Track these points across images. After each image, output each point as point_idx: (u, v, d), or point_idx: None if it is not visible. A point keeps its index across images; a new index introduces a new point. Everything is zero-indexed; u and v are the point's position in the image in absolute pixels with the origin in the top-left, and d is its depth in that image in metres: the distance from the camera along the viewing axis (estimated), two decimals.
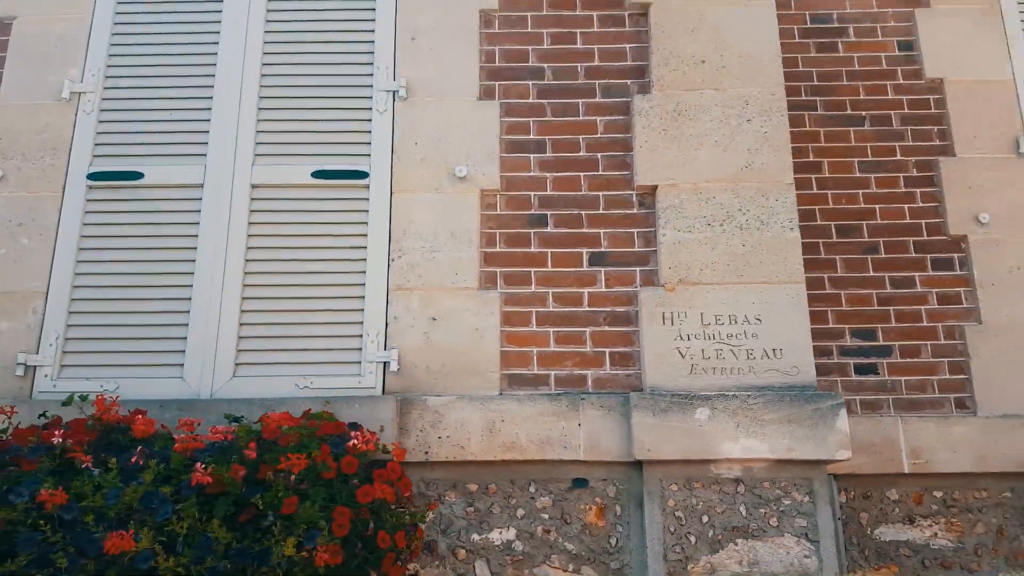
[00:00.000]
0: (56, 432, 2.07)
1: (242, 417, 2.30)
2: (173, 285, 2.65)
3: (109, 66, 2.90)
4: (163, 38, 2.94)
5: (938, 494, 2.84)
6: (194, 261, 2.67)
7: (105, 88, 2.87)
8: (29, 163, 2.77)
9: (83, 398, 2.24)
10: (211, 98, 2.85)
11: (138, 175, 2.76)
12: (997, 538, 2.77)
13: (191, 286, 2.64)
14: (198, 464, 1.94)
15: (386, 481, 2.11)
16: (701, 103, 2.79)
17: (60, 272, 2.66)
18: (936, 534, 2.80)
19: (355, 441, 2.12)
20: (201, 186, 2.75)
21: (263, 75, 2.88)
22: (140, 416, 2.24)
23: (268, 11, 2.97)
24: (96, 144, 2.81)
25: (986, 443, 2.80)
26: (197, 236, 2.69)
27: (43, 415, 2.31)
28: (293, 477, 1.97)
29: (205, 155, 2.78)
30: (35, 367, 2.57)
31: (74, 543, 1.87)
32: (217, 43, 2.92)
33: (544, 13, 2.98)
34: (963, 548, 2.77)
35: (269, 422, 2.13)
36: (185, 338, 2.60)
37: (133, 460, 1.98)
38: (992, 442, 2.80)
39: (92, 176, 2.76)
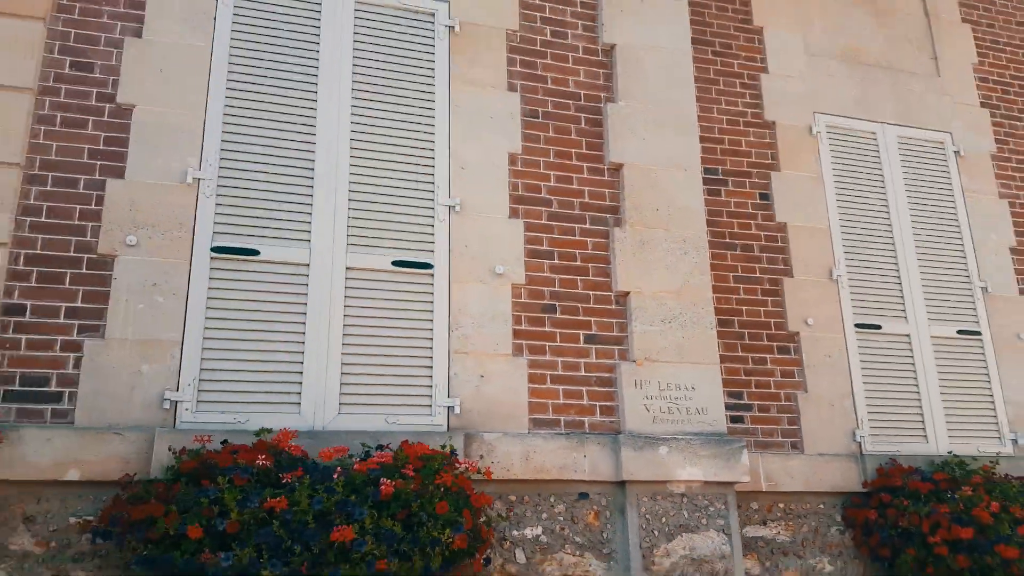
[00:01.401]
0: (259, 456, 2.83)
1: (384, 446, 3.16)
2: (289, 341, 3.43)
3: (222, 157, 3.60)
4: (269, 133, 3.69)
5: (781, 505, 4.32)
6: (304, 323, 3.46)
7: (220, 176, 3.57)
8: (159, 233, 3.40)
9: (268, 431, 2.99)
10: (311, 192, 3.66)
11: (255, 252, 3.50)
12: (815, 535, 4.30)
13: (303, 343, 3.43)
14: (383, 479, 2.82)
15: (482, 486, 3.11)
16: (656, 238, 4.09)
17: (192, 325, 3.32)
18: (779, 532, 4.28)
19: (466, 465, 3.10)
20: (307, 265, 3.55)
21: (351, 177, 3.75)
22: (287, 442, 3.03)
23: (352, 123, 3.83)
24: (216, 222, 3.50)
25: (810, 472, 4.34)
26: (306, 304, 3.49)
27: (195, 451, 3.01)
28: (441, 488, 2.92)
29: (309, 240, 3.59)
30: (177, 402, 3.22)
31: (300, 536, 2.67)
32: (314, 144, 3.73)
33: (551, 159, 4.14)
34: (795, 541, 4.27)
35: (409, 450, 3.04)
36: (300, 383, 3.38)
37: (334, 475, 2.81)
38: (813, 471, 4.35)
39: (215, 249, 3.45)
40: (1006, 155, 5.84)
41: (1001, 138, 5.88)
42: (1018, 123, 6.00)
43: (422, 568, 2.81)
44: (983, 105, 5.90)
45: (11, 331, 3.15)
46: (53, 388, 3.13)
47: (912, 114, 5.61)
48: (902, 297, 5.10)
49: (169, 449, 2.99)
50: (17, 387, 3.09)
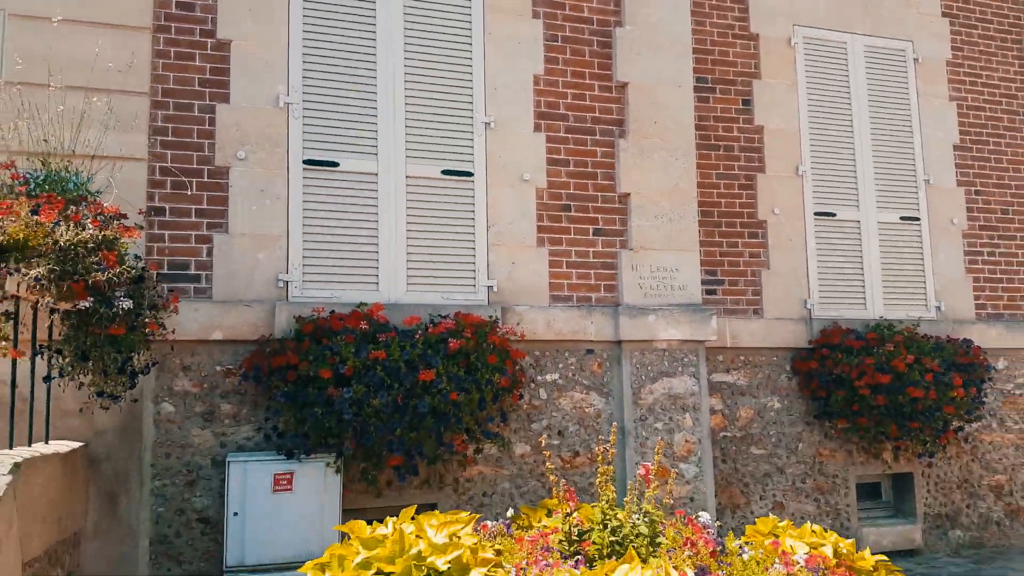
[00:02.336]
0: (361, 323, 3.88)
1: (444, 316, 4.22)
2: (366, 233, 4.40)
3: (305, 84, 4.41)
4: (340, 61, 4.49)
5: (742, 358, 5.50)
6: (377, 220, 4.42)
7: (304, 100, 4.40)
8: (260, 150, 4.28)
9: (364, 304, 4.03)
10: (376, 114, 4.50)
11: (336, 163, 4.40)
12: (768, 380, 5.50)
13: (377, 235, 4.41)
14: (450, 339, 3.89)
15: (516, 345, 4.21)
16: (653, 147, 4.99)
17: (293, 222, 4.28)
18: (739, 378, 5.48)
19: (506, 329, 4.18)
20: (376, 174, 4.46)
21: (407, 99, 4.58)
22: (378, 312, 4.08)
23: (406, 52, 4.62)
24: (304, 139, 4.37)
25: (767, 332, 5.48)
26: (377, 204, 4.43)
27: (307, 319, 4.04)
28: (490, 345, 4.01)
29: (376, 154, 4.48)
30: (288, 281, 4.24)
31: (395, 377, 3.77)
32: (375, 71, 4.54)
33: (568, 79, 4.95)
34: (751, 385, 5.48)
35: (465, 319, 4.10)
36: (377, 266, 4.39)
37: (416, 336, 3.89)
38: (769, 331, 5.49)
39: (306, 162, 4.35)
40: (959, 61, 6.63)
41: (957, 46, 6.64)
42: (973, 31, 6.73)
43: (479, 399, 3.95)
44: (944, 15, 6.61)
45: (156, 228, 4.10)
46: (193, 271, 4.12)
47: (880, 25, 6.34)
48: (856, 189, 6.07)
49: (294, 318, 4.03)
50: (166, 271, 4.07)
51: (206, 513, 3.96)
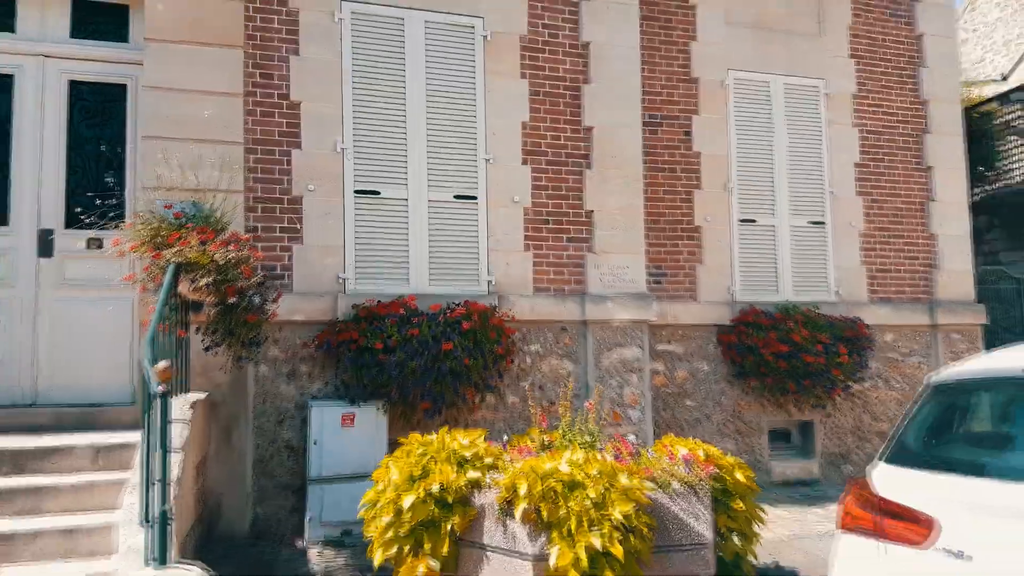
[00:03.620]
0: (400, 309, 5.47)
1: (457, 304, 5.80)
2: (400, 243, 5.97)
3: (354, 133, 5.96)
4: (379, 115, 6.02)
5: (680, 332, 7.14)
6: (407, 233, 5.99)
7: (354, 145, 5.94)
8: (324, 183, 5.83)
9: (402, 296, 5.62)
10: (406, 153, 6.05)
11: (377, 192, 5.96)
12: (699, 349, 7.15)
13: (407, 244, 5.98)
14: (463, 321, 5.49)
15: (510, 325, 5.83)
16: (611, 175, 6.57)
17: (348, 235, 5.84)
18: (676, 347, 7.12)
19: (502, 313, 5.79)
20: (406, 199, 6.03)
21: (428, 142, 6.13)
22: (412, 300, 5.67)
23: (427, 105, 6.15)
24: (355, 175, 5.92)
25: (699, 312, 7.12)
26: (407, 222, 6.00)
27: (360, 305, 5.63)
28: (491, 324, 5.61)
29: (406, 184, 6.04)
30: (345, 279, 5.81)
31: (425, 347, 5.37)
32: (405, 121, 6.08)
33: (547, 124, 6.51)
34: (686, 352, 7.13)
35: (472, 306, 5.69)
36: (408, 267, 5.97)
37: (439, 319, 5.49)
38: (701, 312, 7.13)
39: (356, 191, 5.90)
40: (863, 94, 8.20)
41: (861, 81, 8.21)
42: (876, 69, 8.30)
43: (483, 363, 5.57)
44: (850, 56, 8.17)
45: (253, 240, 5.65)
46: (279, 272, 5.69)
47: (798, 66, 7.90)
48: (774, 200, 7.68)
49: (352, 305, 5.62)
50: (261, 272, 5.64)
51: (292, 443, 5.58)
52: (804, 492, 7.18)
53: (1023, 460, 2.43)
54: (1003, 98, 11.48)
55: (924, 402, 2.75)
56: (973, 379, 2.70)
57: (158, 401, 3.26)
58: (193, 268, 4.31)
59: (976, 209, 11.48)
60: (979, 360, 2.85)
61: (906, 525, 2.42)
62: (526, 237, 6.35)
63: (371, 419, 5.46)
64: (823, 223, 7.85)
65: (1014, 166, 11.65)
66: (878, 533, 2.52)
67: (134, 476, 3.92)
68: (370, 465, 5.32)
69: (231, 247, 4.47)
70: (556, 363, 6.31)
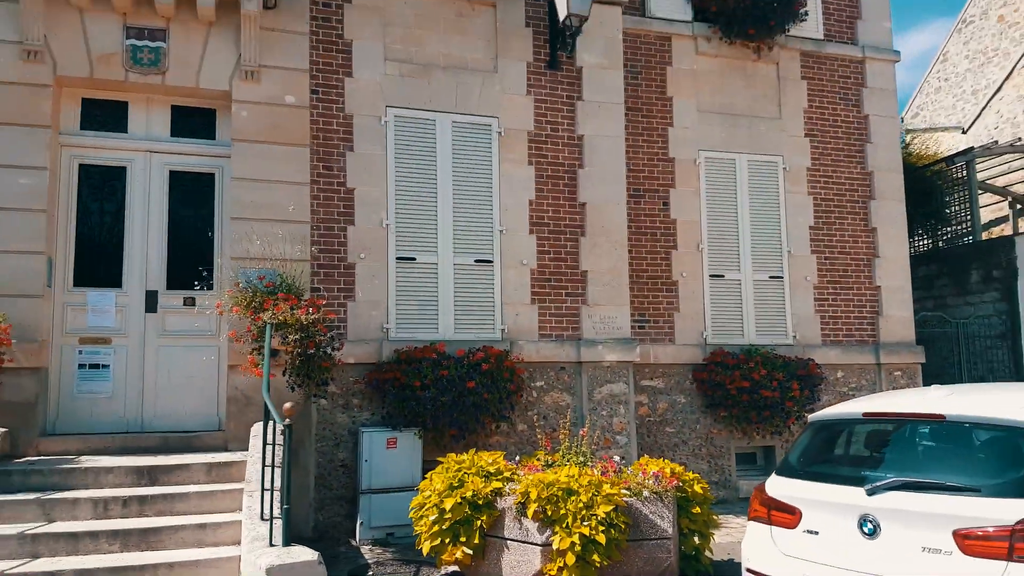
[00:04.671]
0: (433, 353, 6.75)
1: (477, 349, 7.09)
2: (431, 300, 7.28)
3: (396, 212, 7.29)
4: (415, 196, 7.36)
5: (660, 370, 8.42)
6: (437, 292, 7.31)
7: (396, 221, 7.27)
8: (372, 252, 7.15)
9: (434, 342, 6.91)
10: (436, 226, 7.38)
11: (413, 258, 7.28)
12: (677, 384, 8.43)
13: (437, 301, 7.29)
14: (483, 363, 6.78)
15: (520, 366, 7.12)
16: (600, 242, 7.89)
17: (391, 294, 7.14)
18: (658, 383, 8.39)
19: (514, 356, 7.08)
20: (436, 264, 7.35)
21: (454, 216, 7.45)
22: (442, 346, 6.96)
23: (453, 187, 7.49)
24: (397, 245, 7.24)
25: (676, 353, 8.42)
26: (437, 282, 7.32)
27: (400, 350, 6.92)
28: (505, 366, 6.89)
29: (436, 251, 7.36)
30: (387, 328, 7.11)
31: (453, 385, 6.64)
32: (436, 200, 7.41)
33: (549, 201, 7.84)
34: (666, 387, 8.41)
35: (490, 350, 6.98)
36: (437, 318, 7.27)
37: (464, 363, 6.77)
38: (678, 352, 8.43)
39: (397, 258, 7.23)
40: (816, 167, 9.56)
41: (815, 156, 9.58)
42: (828, 146, 9.67)
43: (498, 398, 6.84)
44: (805, 135, 9.54)
45: (316, 298, 6.96)
46: (336, 323, 6.97)
47: (759, 145, 9.26)
48: (739, 257, 9.00)
49: (393, 350, 6.91)
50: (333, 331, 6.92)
51: (345, 462, 6.84)
52: None
53: (850, 472, 3.70)
54: (950, 160, 12.87)
55: (803, 433, 4.03)
56: (834, 418, 3.97)
57: (285, 431, 4.53)
58: (284, 327, 5.60)
59: (927, 258, 12.85)
60: (843, 405, 4.13)
61: (783, 515, 3.68)
62: (532, 293, 7.66)
63: (409, 442, 6.72)
64: (782, 277, 9.17)
65: (960, 219, 13.02)
66: (769, 520, 3.78)
67: (248, 485, 5.17)
68: (409, 480, 6.59)
69: (312, 311, 5.77)
70: (557, 396, 7.59)
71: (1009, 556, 2.88)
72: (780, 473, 3.93)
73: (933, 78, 19.21)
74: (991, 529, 2.96)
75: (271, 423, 4.98)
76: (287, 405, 4.57)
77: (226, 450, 6.34)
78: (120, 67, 6.64)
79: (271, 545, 4.38)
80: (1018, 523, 2.90)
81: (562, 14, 7.40)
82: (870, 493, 3.36)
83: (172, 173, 6.93)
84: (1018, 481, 3.02)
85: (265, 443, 4.79)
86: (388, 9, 7.43)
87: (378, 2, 7.37)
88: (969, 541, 2.99)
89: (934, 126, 19.20)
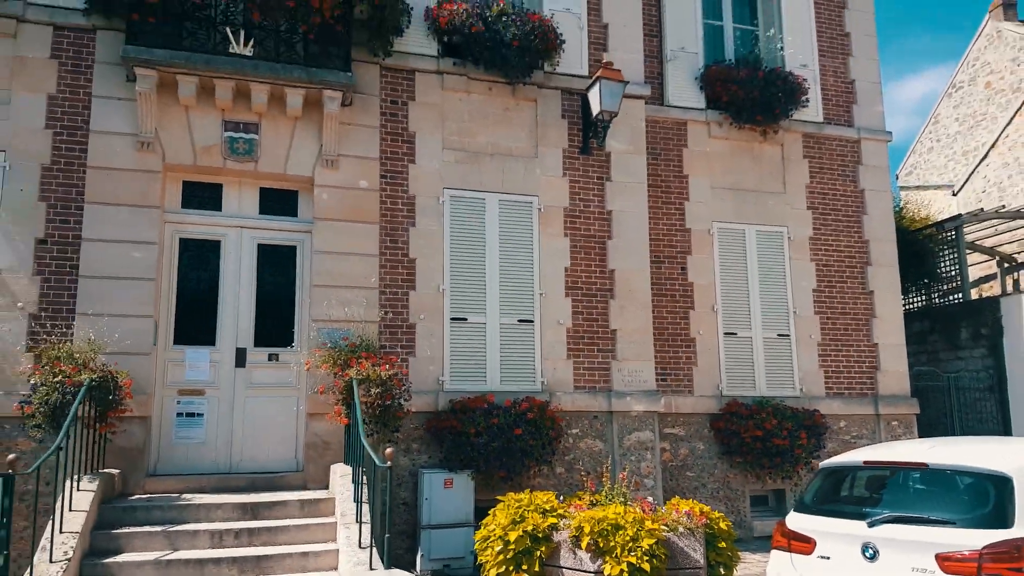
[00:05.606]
0: (484, 403, 7.59)
1: (521, 399, 7.92)
2: (480, 355, 8.15)
3: (451, 278, 8.21)
4: (467, 264, 8.29)
5: (681, 419, 9.24)
6: (485, 348, 8.18)
7: (450, 287, 8.19)
8: (430, 314, 8.05)
9: (484, 393, 7.76)
10: (484, 290, 8.30)
11: (465, 319, 8.18)
12: (697, 432, 9.24)
13: (485, 356, 8.17)
14: (528, 412, 7.61)
15: (559, 415, 7.95)
16: (627, 304, 8.79)
17: (446, 350, 8.02)
18: (679, 431, 9.20)
19: (553, 406, 7.92)
20: (485, 324, 8.24)
21: (500, 281, 8.38)
22: (492, 397, 7.80)
23: (500, 257, 8.43)
24: (451, 307, 8.15)
25: (695, 403, 9.25)
26: (485, 340, 8.20)
27: (455, 400, 7.76)
28: (547, 414, 7.73)
29: (485, 312, 8.27)
30: (443, 380, 7.97)
31: (502, 432, 7.47)
32: (485, 266, 8.34)
33: (582, 268, 8.76)
34: (687, 435, 9.21)
35: (533, 401, 7.82)
36: (485, 371, 8.13)
37: (512, 412, 7.61)
38: (697, 403, 9.26)
39: (451, 319, 8.13)
40: (818, 237, 10.50)
41: (817, 227, 10.52)
42: (828, 217, 10.62)
43: (541, 444, 7.65)
44: (808, 208, 10.51)
45: (391, 356, 7.82)
46: (400, 377, 7.84)
47: (766, 217, 10.22)
48: (750, 317, 9.88)
49: (448, 400, 7.75)
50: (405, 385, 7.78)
51: (407, 500, 7.63)
52: None
53: (854, 508, 4.51)
54: (940, 225, 13.83)
55: (816, 478, 4.86)
56: (840, 465, 4.80)
57: (386, 472, 5.36)
58: (367, 382, 6.47)
59: (920, 316, 13.71)
60: (847, 454, 4.96)
61: (801, 544, 4.48)
62: (568, 349, 8.53)
63: (464, 483, 7.51)
64: (789, 335, 10.03)
65: (951, 279, 13.92)
66: (789, 548, 4.58)
67: (343, 518, 5.97)
68: (463, 517, 7.38)
69: (390, 368, 6.65)
70: (590, 443, 8.40)
71: (978, 574, 3.68)
72: (797, 510, 4.75)
73: (925, 139, 20.34)
74: (965, 552, 3.76)
75: (357, 464, 5.80)
76: (388, 450, 5.42)
77: (306, 489, 7.15)
78: (219, 155, 7.66)
79: (371, 569, 5.17)
80: (984, 548, 3.72)
81: (595, 110, 8.44)
82: (870, 525, 4.17)
83: (260, 246, 7.88)
84: (984, 515, 3.84)
85: (360, 482, 5.62)
86: (445, 106, 8.48)
87: (437, 100, 8.43)
88: (948, 563, 3.80)
89: (926, 184, 20.27)
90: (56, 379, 5.89)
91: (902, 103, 46.23)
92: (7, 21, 7.33)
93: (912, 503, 4.35)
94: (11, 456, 4.69)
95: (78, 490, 5.67)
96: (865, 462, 4.61)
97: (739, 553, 6.44)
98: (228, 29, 7.34)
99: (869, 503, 4.60)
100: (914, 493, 4.47)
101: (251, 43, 7.34)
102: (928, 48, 49.18)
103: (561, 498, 6.52)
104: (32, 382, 6.23)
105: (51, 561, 4.98)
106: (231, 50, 7.34)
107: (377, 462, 5.53)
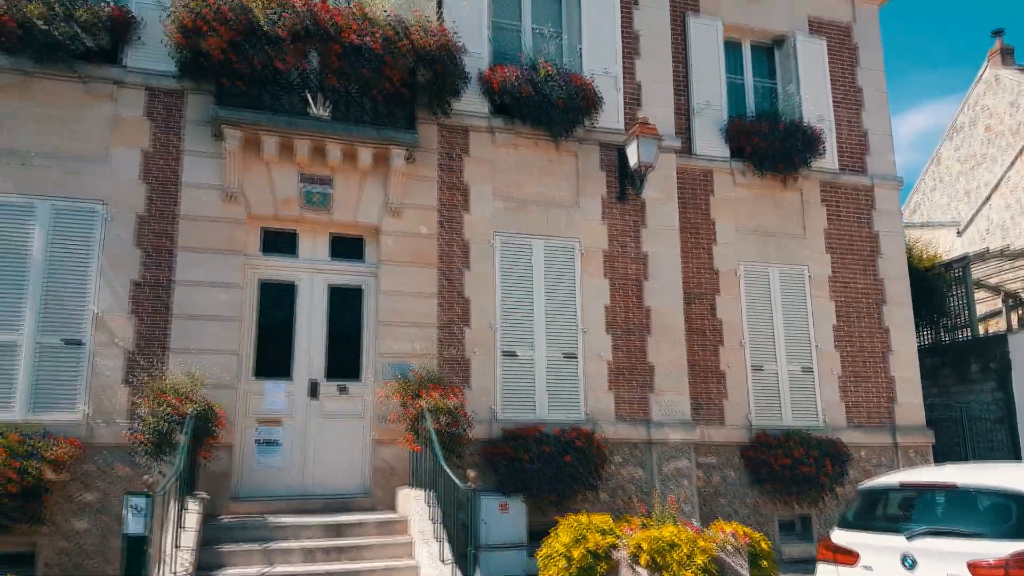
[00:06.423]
0: (535, 432, 8.16)
1: (569, 428, 8.49)
2: (529, 386, 8.75)
3: (501, 316, 8.83)
4: (516, 303, 8.92)
5: (714, 448, 9.77)
6: (534, 380, 8.78)
7: (501, 324, 8.82)
8: (483, 349, 8.67)
9: (536, 422, 8.34)
10: (532, 327, 8.92)
11: (515, 353, 8.80)
12: (728, 461, 9.76)
13: (534, 388, 8.76)
14: (576, 440, 8.17)
15: (603, 443, 8.51)
16: (663, 339, 9.39)
17: (497, 382, 8.61)
18: (713, 460, 9.72)
19: (598, 436, 8.49)
20: (533, 358, 8.86)
21: (546, 319, 9.01)
22: (542, 426, 8.38)
23: (546, 297, 9.07)
24: (502, 342, 8.77)
25: (727, 433, 9.78)
26: (534, 373, 8.80)
27: (507, 428, 8.34)
28: (592, 442, 8.29)
29: (533, 346, 8.88)
30: (495, 410, 8.56)
31: (552, 459, 8.02)
32: (532, 303, 8.97)
33: (621, 305, 9.38)
34: (719, 463, 9.74)
35: (580, 430, 8.38)
36: (534, 402, 8.73)
37: (561, 440, 8.17)
38: (728, 433, 9.81)
39: (502, 353, 8.74)
40: (836, 276, 11.11)
41: (835, 267, 11.14)
42: (845, 258, 11.24)
43: (588, 470, 8.19)
44: (826, 250, 11.14)
45: (456, 387, 8.40)
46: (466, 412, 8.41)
47: (788, 258, 10.85)
48: (774, 351, 10.46)
49: (502, 429, 8.33)
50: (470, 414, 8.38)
51: (465, 521, 8.15)
52: (805, 567, 9.56)
53: (893, 524, 5.06)
54: (948, 265, 14.45)
55: (856, 499, 5.42)
56: (878, 487, 5.37)
57: (469, 494, 5.94)
58: (437, 411, 7.08)
59: (932, 351, 14.26)
60: (882, 478, 5.52)
61: (845, 557, 5.02)
62: (609, 381, 9.12)
63: (517, 507, 8.05)
64: (812, 369, 10.60)
65: (959, 314, 14.49)
66: (835, 562, 5.13)
67: (422, 535, 6.53)
68: (516, 539, 7.91)
69: (456, 398, 7.26)
70: (631, 470, 8.95)
71: None
72: (840, 527, 5.31)
73: (928, 178, 21.03)
74: (992, 560, 4.32)
75: (430, 487, 6.38)
76: (472, 473, 6.00)
77: (375, 511, 7.70)
78: (296, 206, 8.37)
79: None
80: (1010, 555, 4.27)
81: (633, 162, 9.16)
82: (909, 538, 4.73)
83: (330, 287, 8.55)
84: (1008, 528, 4.40)
85: (443, 504, 6.20)
86: (496, 160, 9.21)
87: (488, 154, 9.16)
88: (978, 570, 4.35)
89: (931, 221, 20.91)
90: (164, 410, 6.50)
91: (903, 136, 47.24)
92: (108, 85, 8.09)
93: (942, 519, 4.91)
94: (148, 479, 5.30)
95: (186, 510, 6.25)
96: (901, 483, 5.18)
97: (778, 572, 6.96)
98: (307, 93, 8.10)
99: (903, 520, 5.16)
100: (943, 511, 5.03)
101: (328, 105, 8.09)
102: (929, 82, 50.41)
103: (612, 520, 7.06)
104: (139, 412, 6.84)
105: (173, 573, 5.55)
106: (310, 112, 8.08)
107: (460, 484, 6.10)
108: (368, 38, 7.68)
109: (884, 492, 5.33)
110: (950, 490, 4.91)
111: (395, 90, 8.21)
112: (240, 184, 8.21)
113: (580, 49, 9.72)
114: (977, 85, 19.05)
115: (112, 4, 8.02)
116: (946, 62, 48.97)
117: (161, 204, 8.04)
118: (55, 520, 7.03)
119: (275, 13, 7.58)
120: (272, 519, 7.00)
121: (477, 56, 9.09)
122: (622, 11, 10.01)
